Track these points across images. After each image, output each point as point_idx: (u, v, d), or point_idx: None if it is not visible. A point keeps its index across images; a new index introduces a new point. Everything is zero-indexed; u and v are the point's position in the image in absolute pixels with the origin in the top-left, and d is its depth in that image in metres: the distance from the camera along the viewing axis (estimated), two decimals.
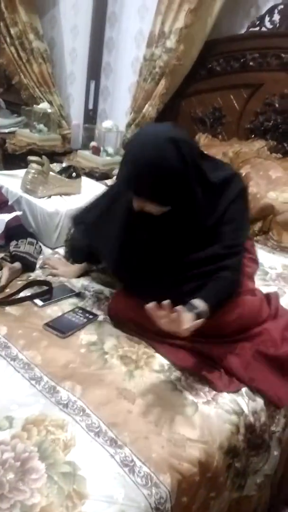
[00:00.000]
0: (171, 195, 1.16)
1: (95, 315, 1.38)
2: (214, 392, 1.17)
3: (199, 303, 1.13)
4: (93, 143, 2.96)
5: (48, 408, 1.04)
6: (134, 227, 1.30)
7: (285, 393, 1.23)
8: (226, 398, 1.16)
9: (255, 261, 1.56)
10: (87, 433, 0.99)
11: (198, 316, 1.10)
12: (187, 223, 1.23)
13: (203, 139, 2.53)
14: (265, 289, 1.62)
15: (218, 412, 1.11)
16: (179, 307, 1.05)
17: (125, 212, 1.30)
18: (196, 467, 0.98)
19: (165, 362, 1.24)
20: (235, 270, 1.27)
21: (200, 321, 1.08)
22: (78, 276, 1.61)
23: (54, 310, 1.38)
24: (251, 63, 2.37)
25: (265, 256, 1.92)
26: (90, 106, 3.24)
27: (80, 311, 1.38)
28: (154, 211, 1.19)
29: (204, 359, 1.25)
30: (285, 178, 2.07)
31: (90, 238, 1.44)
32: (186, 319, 1.06)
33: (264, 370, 1.25)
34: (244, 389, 1.20)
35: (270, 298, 1.46)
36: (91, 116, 3.26)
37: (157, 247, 1.29)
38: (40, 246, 1.72)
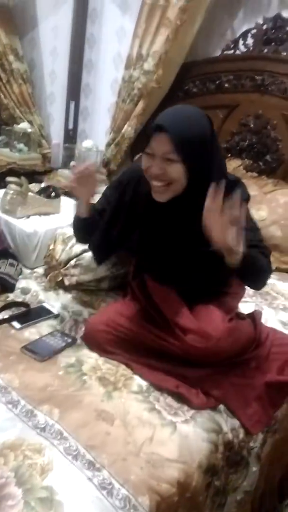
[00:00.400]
0: (196, 153, 1.15)
1: (74, 339, 1.38)
2: (192, 411, 1.18)
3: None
4: (73, 163, 2.98)
5: (25, 432, 1.03)
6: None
7: (257, 422, 1.23)
8: (204, 417, 1.17)
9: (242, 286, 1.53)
10: (65, 456, 0.98)
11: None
12: (199, 208, 1.13)
13: None
14: (243, 306, 1.65)
15: (196, 431, 1.12)
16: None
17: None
18: (175, 488, 0.99)
19: (143, 383, 1.25)
20: (269, 262, 1.28)
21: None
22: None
23: (32, 333, 1.38)
24: (226, 85, 2.44)
25: None
26: (70, 126, 3.27)
27: (59, 334, 1.38)
28: (172, 173, 1.16)
29: (181, 379, 1.26)
30: (260, 197, 2.12)
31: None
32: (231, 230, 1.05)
33: (240, 395, 1.25)
34: (222, 407, 1.21)
35: (254, 318, 1.46)
36: (71, 136, 3.29)
37: (177, 235, 1.29)
38: (20, 268, 1.72)
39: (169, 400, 1.20)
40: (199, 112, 1.23)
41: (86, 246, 1.58)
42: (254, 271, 1.22)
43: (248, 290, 1.79)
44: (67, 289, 1.66)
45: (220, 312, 1.34)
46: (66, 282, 1.63)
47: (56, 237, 1.70)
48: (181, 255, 1.31)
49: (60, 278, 1.64)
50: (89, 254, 1.62)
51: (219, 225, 1.06)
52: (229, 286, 1.46)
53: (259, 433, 1.24)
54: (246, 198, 1.28)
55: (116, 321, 1.35)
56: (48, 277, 1.70)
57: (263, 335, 1.41)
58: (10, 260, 1.65)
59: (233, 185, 1.25)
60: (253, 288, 1.42)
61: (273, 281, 1.92)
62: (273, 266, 1.98)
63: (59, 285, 1.67)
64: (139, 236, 1.38)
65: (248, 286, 1.41)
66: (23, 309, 1.48)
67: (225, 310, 1.36)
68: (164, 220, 1.30)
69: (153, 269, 1.42)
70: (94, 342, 1.36)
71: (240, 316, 1.45)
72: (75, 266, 1.62)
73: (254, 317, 1.47)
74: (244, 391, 1.26)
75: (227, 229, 1.06)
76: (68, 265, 1.63)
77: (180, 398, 1.20)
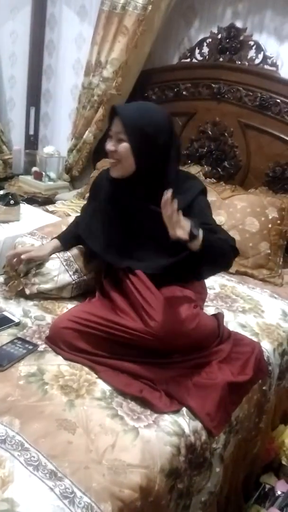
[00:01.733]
0: (144, 139, 1.34)
1: (35, 345, 1.36)
2: (155, 415, 1.18)
3: (198, 228, 1.23)
4: (35, 169, 2.96)
5: None
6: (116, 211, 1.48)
7: (219, 423, 1.26)
8: (167, 420, 1.18)
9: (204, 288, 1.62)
10: (26, 467, 0.97)
11: (191, 233, 1.20)
12: (155, 195, 1.27)
13: None
14: (204, 310, 1.68)
15: (159, 435, 1.13)
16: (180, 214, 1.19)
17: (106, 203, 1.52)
18: (137, 493, 0.99)
19: (107, 388, 1.25)
20: (231, 241, 1.40)
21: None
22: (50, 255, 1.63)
23: None
24: (184, 92, 2.49)
25: None
26: (31, 132, 3.25)
27: (20, 342, 1.36)
28: (121, 151, 1.36)
29: (145, 382, 1.28)
30: (219, 202, 2.17)
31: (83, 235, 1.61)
32: (184, 223, 1.19)
33: (202, 396, 1.27)
34: (184, 409, 1.23)
35: (218, 319, 1.50)
36: (32, 142, 3.27)
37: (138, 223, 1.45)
38: None
39: (132, 405, 1.20)
40: (158, 108, 1.45)
41: None
42: (215, 252, 1.32)
43: (209, 295, 1.84)
44: (28, 297, 1.64)
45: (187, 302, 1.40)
46: (27, 292, 1.61)
47: (15, 246, 1.68)
48: (139, 234, 1.46)
49: (21, 287, 1.62)
50: (49, 262, 1.62)
51: (170, 224, 1.20)
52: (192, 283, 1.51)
53: (221, 434, 1.27)
54: (202, 190, 1.49)
55: (80, 316, 1.37)
56: (8, 287, 1.67)
57: (225, 335, 1.46)
58: None
59: (191, 177, 1.51)
60: (221, 270, 1.65)
61: (233, 284, 1.97)
62: (233, 270, 2.05)
63: (20, 294, 1.65)
64: (102, 223, 1.53)
65: (216, 269, 1.54)
66: None
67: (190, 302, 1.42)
68: (122, 203, 1.48)
69: (119, 255, 1.49)
70: (59, 338, 1.35)
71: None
72: (35, 274, 1.60)
73: (217, 317, 1.52)
74: (207, 392, 1.28)
75: (174, 225, 1.19)
76: (28, 274, 1.61)
77: (144, 402, 1.21)
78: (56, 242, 1.67)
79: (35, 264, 1.61)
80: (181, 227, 1.19)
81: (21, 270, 1.63)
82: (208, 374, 1.33)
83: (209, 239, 1.26)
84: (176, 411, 1.21)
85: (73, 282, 1.62)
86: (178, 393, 1.25)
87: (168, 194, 1.18)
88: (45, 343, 1.39)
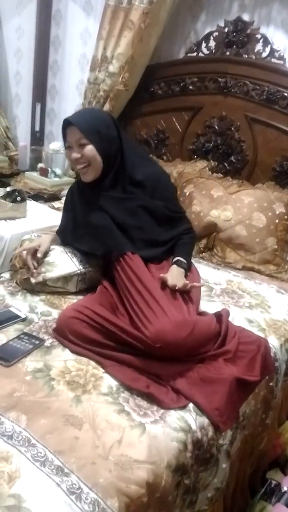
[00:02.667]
0: (102, 136, 1.54)
1: (42, 340, 1.37)
2: (162, 411, 1.18)
3: (183, 260, 1.57)
4: (40, 165, 2.96)
5: None
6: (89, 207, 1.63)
7: (228, 418, 1.25)
8: (173, 416, 1.18)
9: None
10: (33, 463, 0.97)
11: (185, 269, 1.56)
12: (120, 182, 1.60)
13: None
14: (210, 305, 1.68)
15: (165, 431, 1.13)
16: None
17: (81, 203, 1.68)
18: (144, 489, 0.99)
19: (114, 383, 1.25)
20: (189, 231, 1.72)
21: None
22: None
23: None
24: (190, 87, 2.47)
25: (210, 272, 1.98)
26: (37, 128, 3.25)
27: (26, 337, 1.36)
28: (87, 153, 1.53)
29: (152, 377, 1.27)
30: (226, 197, 2.16)
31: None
32: (180, 274, 1.52)
33: (210, 391, 1.27)
34: (191, 405, 1.22)
35: (222, 316, 1.50)
36: (38, 138, 3.26)
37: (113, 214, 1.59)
38: None
39: (139, 400, 1.20)
40: (101, 110, 1.79)
41: None
42: (190, 256, 1.68)
43: (215, 290, 1.84)
44: (34, 291, 1.65)
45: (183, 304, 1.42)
46: (33, 280, 1.62)
47: (22, 242, 1.70)
48: (120, 223, 1.59)
49: (26, 276, 1.63)
50: (54, 251, 1.66)
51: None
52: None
53: (227, 430, 1.26)
54: (167, 175, 1.74)
55: (88, 307, 1.39)
56: (15, 279, 1.69)
57: (231, 332, 1.44)
58: None
59: (142, 161, 1.68)
60: None
61: (239, 280, 1.96)
62: (239, 265, 2.05)
63: (26, 286, 1.66)
64: (86, 225, 1.64)
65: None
66: None
67: (187, 302, 1.45)
68: (98, 201, 1.61)
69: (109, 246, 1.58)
70: (67, 328, 1.36)
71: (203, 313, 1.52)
72: (41, 263, 1.63)
73: (221, 314, 1.51)
74: (215, 387, 1.27)
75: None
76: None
77: (150, 398, 1.21)
78: (53, 235, 1.74)
79: (41, 258, 1.64)
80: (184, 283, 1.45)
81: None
82: (216, 369, 1.33)
83: (189, 257, 1.64)
84: (183, 407, 1.21)
85: (79, 271, 1.63)
86: (185, 388, 1.25)
87: (162, 278, 1.45)
88: (53, 336, 1.40)
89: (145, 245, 1.60)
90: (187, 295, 1.48)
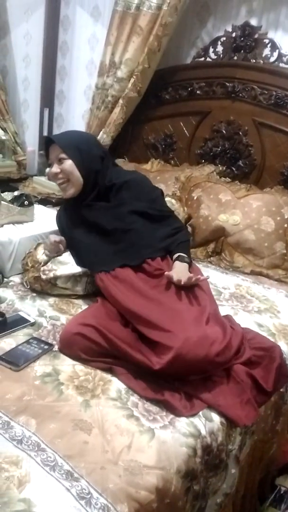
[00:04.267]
0: (81, 152, 1.62)
1: (51, 345, 1.37)
2: (171, 416, 1.18)
3: (184, 255, 1.58)
4: (48, 169, 2.97)
5: (2, 444, 1.02)
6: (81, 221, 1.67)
7: (246, 415, 1.25)
8: (183, 421, 1.17)
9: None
10: (42, 468, 0.98)
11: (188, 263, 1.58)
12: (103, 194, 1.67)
13: (156, 165, 2.60)
14: (219, 309, 1.67)
15: (175, 436, 1.12)
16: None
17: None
18: (153, 494, 0.99)
19: (122, 386, 1.25)
20: (182, 228, 1.74)
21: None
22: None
23: (8, 343, 1.36)
24: (198, 92, 2.48)
25: (218, 277, 1.98)
26: (45, 133, 3.26)
27: (35, 342, 1.37)
28: (66, 168, 1.59)
29: (163, 380, 1.25)
30: (234, 201, 2.15)
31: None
32: (184, 268, 1.54)
33: (227, 392, 1.26)
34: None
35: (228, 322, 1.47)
36: None
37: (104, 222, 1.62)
38: (2, 277, 1.72)
39: (148, 405, 1.20)
40: (84, 132, 1.85)
41: None
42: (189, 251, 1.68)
43: (224, 294, 1.83)
44: (43, 292, 1.66)
45: (191, 315, 1.37)
46: (43, 277, 1.63)
47: (37, 246, 1.75)
48: (112, 234, 1.61)
49: (37, 274, 1.64)
50: (67, 252, 1.72)
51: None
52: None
53: (237, 435, 1.26)
54: (133, 178, 1.71)
55: (93, 324, 1.35)
56: (25, 279, 1.70)
57: (237, 340, 1.37)
58: None
59: (123, 172, 1.76)
60: None
61: (248, 284, 1.95)
62: (247, 270, 2.04)
63: (35, 286, 1.67)
64: (78, 244, 1.68)
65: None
66: None
67: (196, 309, 1.41)
68: (86, 218, 1.66)
69: (104, 260, 1.58)
70: (73, 345, 1.33)
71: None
72: (52, 261, 1.66)
73: (228, 319, 1.50)
74: (232, 387, 1.27)
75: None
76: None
77: (165, 405, 1.19)
78: None
79: (55, 255, 1.68)
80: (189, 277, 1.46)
81: (42, 259, 1.67)
82: (230, 372, 1.31)
83: (188, 252, 1.65)
84: (195, 414, 1.20)
85: (88, 271, 1.64)
86: (204, 394, 1.23)
87: (166, 275, 1.46)
88: (60, 351, 1.36)
89: (140, 247, 1.59)
90: (197, 292, 1.48)
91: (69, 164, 1.60)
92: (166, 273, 1.48)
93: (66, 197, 1.67)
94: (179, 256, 1.59)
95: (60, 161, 1.61)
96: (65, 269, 1.64)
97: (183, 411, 1.19)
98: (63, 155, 1.60)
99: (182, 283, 1.45)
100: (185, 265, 1.57)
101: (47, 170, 2.96)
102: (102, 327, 1.34)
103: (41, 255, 1.69)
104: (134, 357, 1.28)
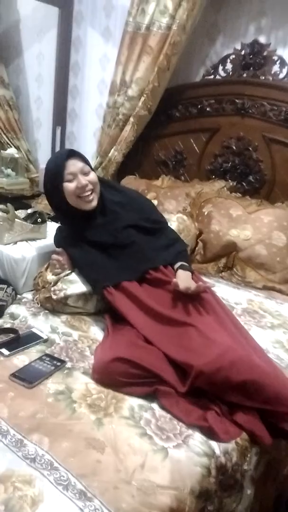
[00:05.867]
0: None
1: (63, 362, 1.37)
2: (185, 434, 1.17)
3: (186, 264, 1.62)
4: None
5: (15, 463, 1.02)
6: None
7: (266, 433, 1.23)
8: (196, 440, 1.16)
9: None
10: (55, 487, 0.97)
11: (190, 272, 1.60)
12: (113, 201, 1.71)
13: (166, 181, 2.62)
14: None
15: (188, 455, 1.11)
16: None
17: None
18: None
19: (135, 404, 1.24)
20: (179, 238, 1.79)
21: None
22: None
23: (21, 360, 1.37)
24: (208, 109, 2.50)
25: (230, 292, 1.97)
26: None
27: (48, 359, 1.37)
28: (92, 179, 1.63)
29: (209, 405, 1.23)
30: (245, 216, 2.16)
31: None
32: (188, 277, 1.57)
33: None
34: None
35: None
36: None
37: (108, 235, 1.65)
38: (13, 289, 1.74)
39: (161, 422, 1.19)
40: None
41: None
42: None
43: (236, 310, 1.82)
44: (55, 309, 1.67)
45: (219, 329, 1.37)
46: (54, 297, 1.64)
47: (49, 264, 1.76)
48: (115, 248, 1.64)
49: (48, 294, 1.65)
50: (76, 271, 1.71)
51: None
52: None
53: (252, 455, 1.24)
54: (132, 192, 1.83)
55: (124, 357, 1.31)
56: (36, 298, 1.72)
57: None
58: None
59: (116, 186, 1.81)
60: None
61: (260, 299, 1.94)
62: (260, 285, 2.03)
63: (47, 306, 1.69)
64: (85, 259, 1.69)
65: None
66: (11, 335, 1.47)
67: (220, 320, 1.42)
68: (87, 233, 1.68)
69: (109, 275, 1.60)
70: (113, 373, 1.29)
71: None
72: (62, 281, 1.67)
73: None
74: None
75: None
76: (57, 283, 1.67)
77: (209, 431, 1.18)
78: None
79: (64, 274, 1.68)
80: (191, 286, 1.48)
81: (52, 279, 1.68)
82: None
83: (188, 259, 1.70)
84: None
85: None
86: (242, 418, 1.21)
87: (173, 283, 1.48)
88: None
89: (139, 261, 1.61)
90: (204, 300, 1.49)
91: (94, 175, 1.64)
92: (174, 280, 1.49)
93: (90, 208, 1.65)
94: (181, 265, 1.61)
95: (85, 174, 1.62)
96: (75, 288, 1.65)
97: (225, 437, 1.17)
98: (87, 168, 1.63)
99: (190, 291, 1.45)
100: (188, 274, 1.59)
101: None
102: (134, 358, 1.30)
103: (50, 275, 1.70)
104: (167, 380, 1.28)
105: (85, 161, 1.65)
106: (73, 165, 1.61)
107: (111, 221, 1.67)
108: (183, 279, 1.53)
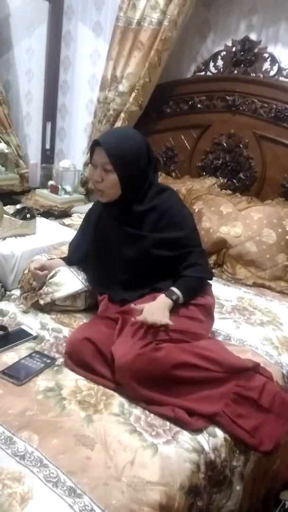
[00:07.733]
0: (127, 166, 1.42)
1: (53, 359, 1.37)
2: (174, 431, 1.17)
3: (177, 291, 1.42)
4: (51, 182, 3.00)
5: (4, 460, 1.01)
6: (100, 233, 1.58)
7: (270, 438, 1.24)
8: (186, 436, 1.16)
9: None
10: (45, 484, 0.97)
11: (175, 301, 1.40)
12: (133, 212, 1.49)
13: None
14: (221, 322, 1.67)
15: (178, 451, 1.11)
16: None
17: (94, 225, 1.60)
18: (157, 511, 0.98)
19: (125, 401, 1.24)
20: (203, 268, 1.52)
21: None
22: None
23: (10, 357, 1.36)
24: (199, 105, 2.50)
25: (220, 289, 1.98)
26: (47, 146, 3.30)
27: (37, 356, 1.37)
28: (108, 180, 1.43)
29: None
30: (235, 214, 2.16)
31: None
32: (163, 306, 1.37)
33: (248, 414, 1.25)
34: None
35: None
36: (48, 156, 3.31)
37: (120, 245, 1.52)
38: (2, 286, 1.73)
39: (151, 419, 1.19)
40: (134, 132, 1.55)
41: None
42: (193, 292, 1.48)
43: (226, 307, 1.83)
44: (44, 309, 1.65)
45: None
46: (41, 302, 1.63)
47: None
48: (125, 254, 1.51)
49: (36, 299, 1.64)
50: (60, 272, 1.66)
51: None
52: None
53: (242, 451, 1.24)
54: (176, 201, 1.55)
55: (95, 336, 1.35)
56: (24, 299, 1.70)
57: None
58: None
59: (160, 192, 1.53)
60: None
61: (250, 297, 1.95)
62: (250, 282, 2.03)
63: (35, 307, 1.67)
64: (93, 248, 1.61)
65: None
66: (0, 332, 1.46)
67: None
68: (112, 230, 1.55)
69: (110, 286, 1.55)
70: (76, 355, 1.34)
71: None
72: (48, 284, 1.64)
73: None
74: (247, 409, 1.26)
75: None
76: (42, 287, 1.64)
77: (176, 421, 1.19)
78: (60, 261, 1.74)
79: (49, 277, 1.65)
80: (161, 319, 1.31)
81: (36, 286, 1.65)
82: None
83: (188, 292, 1.45)
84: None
85: (86, 288, 1.64)
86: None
87: (134, 308, 1.37)
88: (63, 357, 1.39)
89: (140, 287, 1.51)
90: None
91: (113, 178, 1.43)
92: (132, 306, 1.39)
93: (101, 201, 1.54)
94: (170, 290, 1.42)
95: (105, 171, 1.43)
96: (62, 291, 1.62)
97: (196, 424, 1.19)
98: (109, 167, 1.41)
99: (148, 323, 1.31)
100: (168, 303, 1.39)
101: (50, 183, 3.00)
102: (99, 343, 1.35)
103: (33, 280, 1.67)
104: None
105: (116, 157, 1.40)
106: (97, 155, 1.44)
107: (139, 237, 1.49)
108: (153, 306, 1.36)
